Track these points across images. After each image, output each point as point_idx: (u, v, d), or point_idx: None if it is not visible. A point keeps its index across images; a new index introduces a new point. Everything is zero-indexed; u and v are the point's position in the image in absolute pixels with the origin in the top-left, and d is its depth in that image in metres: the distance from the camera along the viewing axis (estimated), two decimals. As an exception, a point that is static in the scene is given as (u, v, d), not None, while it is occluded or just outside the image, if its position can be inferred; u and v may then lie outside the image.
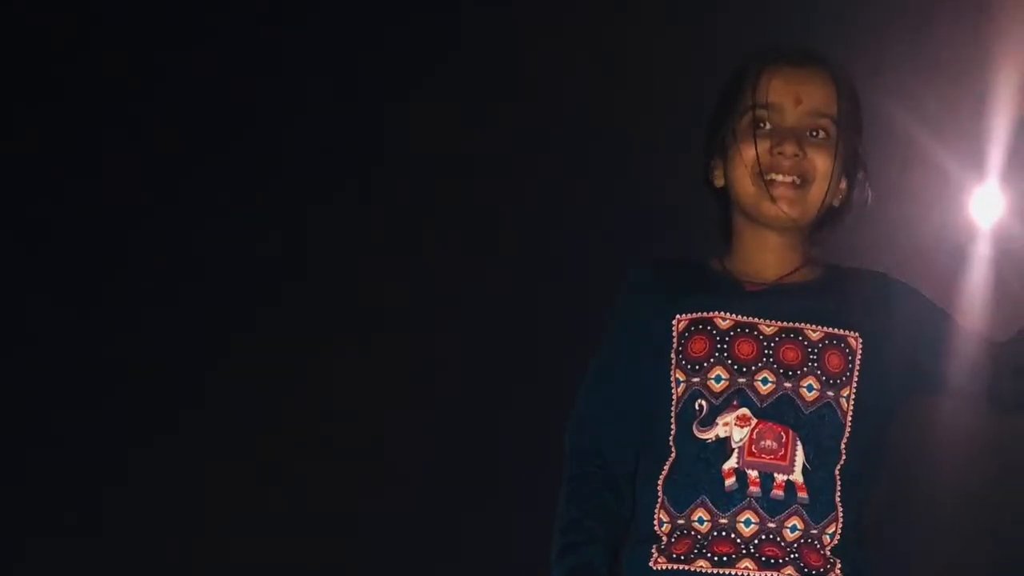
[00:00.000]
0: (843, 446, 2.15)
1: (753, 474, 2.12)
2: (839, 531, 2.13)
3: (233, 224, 3.45)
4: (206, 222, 3.46)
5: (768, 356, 2.15)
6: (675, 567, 2.13)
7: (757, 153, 2.20)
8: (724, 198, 2.30)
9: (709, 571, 2.11)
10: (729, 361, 2.16)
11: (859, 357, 2.17)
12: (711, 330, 2.18)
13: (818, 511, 2.13)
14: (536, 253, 3.37)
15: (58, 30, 3.49)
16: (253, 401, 3.45)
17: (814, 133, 2.22)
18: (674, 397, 2.17)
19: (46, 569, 3.43)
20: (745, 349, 2.16)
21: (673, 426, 2.16)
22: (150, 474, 3.43)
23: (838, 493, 2.14)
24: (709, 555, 2.12)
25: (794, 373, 2.14)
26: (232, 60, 3.42)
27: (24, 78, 3.49)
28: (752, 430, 2.13)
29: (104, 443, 3.43)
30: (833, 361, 2.16)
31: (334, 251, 3.45)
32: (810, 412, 2.14)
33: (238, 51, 3.42)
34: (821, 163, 2.21)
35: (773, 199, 2.20)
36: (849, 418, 2.15)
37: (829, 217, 2.29)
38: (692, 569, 2.12)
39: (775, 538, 2.11)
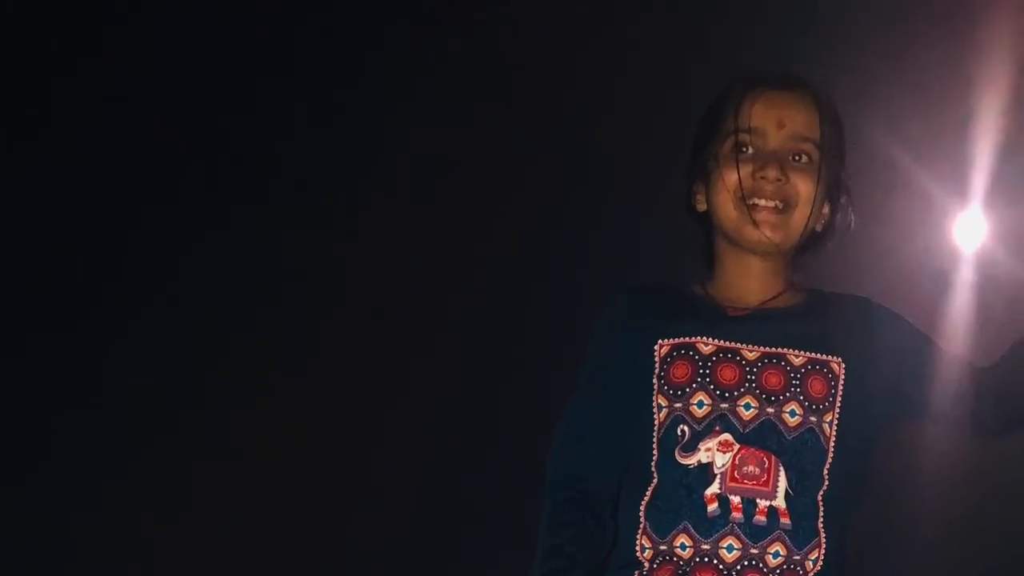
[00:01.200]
0: (826, 472, 2.14)
1: (735, 500, 2.12)
2: (822, 557, 2.12)
3: (231, 225, 3.45)
4: (204, 223, 3.46)
5: (751, 381, 2.15)
6: (657, 593, 2.13)
7: (740, 177, 2.20)
8: (706, 223, 2.29)
9: (691, 597, 2.11)
10: (712, 386, 2.15)
11: (842, 382, 2.16)
12: (693, 355, 2.17)
13: (801, 537, 2.12)
14: (519, 280, 3.36)
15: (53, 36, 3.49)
16: (249, 402, 3.44)
17: (797, 157, 2.22)
18: (656, 422, 2.16)
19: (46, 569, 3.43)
20: (728, 374, 2.16)
21: (655, 451, 2.15)
22: (146, 476, 3.41)
23: (821, 519, 2.13)
24: (691, 581, 2.11)
25: (777, 398, 2.14)
26: (232, 61, 3.42)
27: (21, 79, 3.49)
28: (734, 455, 2.12)
29: (103, 444, 3.42)
30: (816, 386, 2.15)
31: (332, 252, 3.45)
32: (793, 437, 2.14)
33: (238, 52, 3.42)
34: (804, 187, 2.21)
35: (756, 224, 2.20)
36: (832, 444, 2.15)
37: (812, 242, 2.28)
38: (675, 595, 2.12)
39: (758, 564, 2.10)
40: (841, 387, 2.16)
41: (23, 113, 3.50)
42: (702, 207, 2.29)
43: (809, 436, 2.14)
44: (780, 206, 2.20)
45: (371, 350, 3.43)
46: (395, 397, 3.41)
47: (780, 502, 2.12)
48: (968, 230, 3.07)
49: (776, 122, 2.21)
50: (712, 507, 2.11)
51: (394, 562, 3.37)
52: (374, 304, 3.44)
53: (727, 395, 2.15)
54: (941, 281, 2.94)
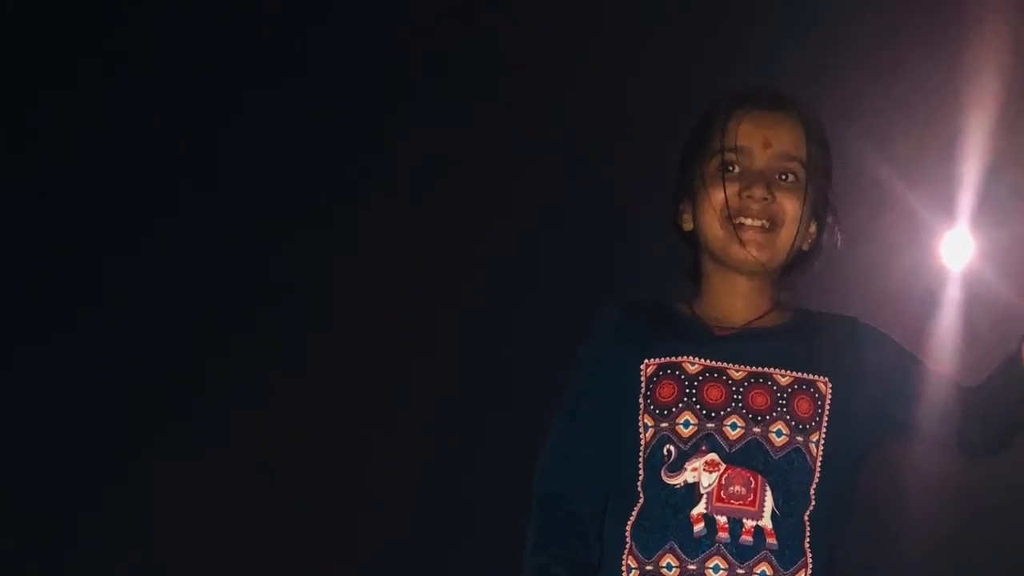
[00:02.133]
0: (812, 491, 2.14)
1: (722, 520, 2.11)
2: (809, 577, 2.12)
3: (231, 225, 3.45)
4: (203, 223, 3.46)
5: (737, 401, 2.15)
6: (643, 613, 2.12)
7: (726, 196, 2.20)
8: (693, 242, 2.29)
9: (677, 618, 2.11)
10: (698, 406, 2.15)
11: (828, 402, 2.16)
12: (679, 375, 2.17)
13: (787, 557, 2.12)
14: (518, 281, 3.36)
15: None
16: (249, 402, 3.44)
17: (783, 177, 2.22)
18: (642, 442, 2.16)
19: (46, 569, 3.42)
20: (714, 394, 2.15)
21: (641, 471, 2.15)
22: (146, 476, 3.41)
23: (807, 539, 2.13)
24: (677, 601, 2.11)
25: (763, 418, 2.14)
26: (231, 62, 3.42)
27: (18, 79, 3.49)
28: (721, 475, 2.12)
29: (100, 446, 3.42)
30: (802, 406, 2.15)
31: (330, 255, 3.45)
32: (779, 457, 2.13)
33: (236, 52, 3.42)
34: (790, 207, 2.21)
35: (742, 243, 2.20)
36: (818, 463, 2.14)
37: (798, 261, 2.28)
38: (660, 615, 2.11)
39: (744, 584, 2.10)
40: (828, 407, 2.16)
41: (21, 113, 3.49)
42: (688, 226, 2.28)
43: (796, 456, 2.14)
44: (766, 225, 2.20)
45: (371, 350, 3.43)
46: (395, 397, 3.41)
47: (767, 522, 2.11)
48: (955, 249, 3.07)
49: (762, 141, 2.21)
50: (698, 527, 2.11)
51: (394, 562, 3.37)
52: (374, 304, 3.44)
53: (713, 415, 2.14)
54: (928, 300, 2.94)
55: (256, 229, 3.43)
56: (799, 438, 2.14)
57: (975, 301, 2.94)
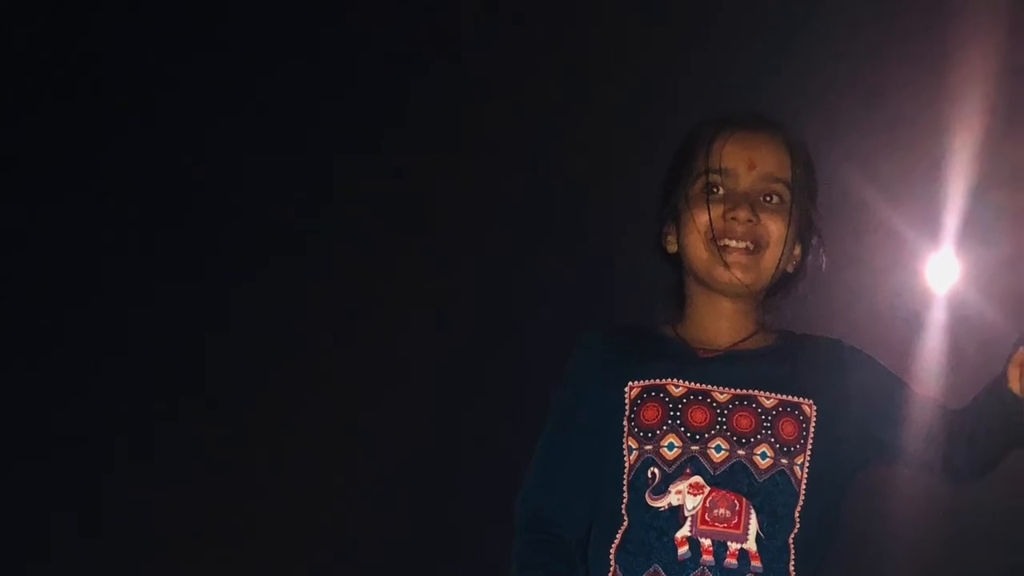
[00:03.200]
0: (797, 514, 2.13)
1: (706, 543, 2.11)
2: (793, 600, 2.12)
3: (230, 224, 3.44)
4: (201, 223, 3.46)
5: (721, 423, 2.14)
6: (627, 637, 2.12)
7: (710, 218, 2.19)
8: (677, 264, 2.29)
9: (661, 641, 2.10)
10: (682, 429, 2.14)
11: (813, 424, 2.16)
12: (664, 397, 2.16)
13: (772, 580, 2.11)
14: (518, 282, 3.36)
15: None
16: (249, 402, 3.43)
17: (768, 198, 2.21)
18: (626, 465, 2.15)
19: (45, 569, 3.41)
20: (698, 416, 2.15)
21: (625, 494, 2.14)
22: (145, 475, 3.40)
23: (792, 562, 2.12)
24: (662, 625, 2.10)
25: (747, 441, 2.13)
26: (228, 62, 3.42)
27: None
28: (705, 498, 2.11)
29: (99, 443, 3.41)
30: (787, 429, 2.15)
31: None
32: (764, 480, 2.13)
33: (237, 53, 3.42)
34: (775, 229, 2.20)
35: (726, 265, 2.19)
36: (803, 486, 2.14)
37: (783, 283, 2.28)
38: (644, 639, 2.11)
39: (729, 607, 2.10)
40: (812, 429, 2.15)
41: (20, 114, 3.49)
42: (673, 248, 2.28)
43: (780, 478, 2.13)
44: (751, 247, 2.20)
45: (371, 350, 3.42)
46: (395, 397, 3.40)
47: (751, 545, 2.11)
48: (940, 271, 3.07)
49: (747, 163, 2.21)
50: (683, 550, 2.10)
51: (394, 562, 3.36)
52: (374, 303, 3.43)
53: (698, 437, 2.14)
54: (913, 322, 2.94)
55: (255, 228, 3.43)
56: (784, 460, 2.13)
57: (960, 323, 2.94)
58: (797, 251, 2.26)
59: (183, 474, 3.40)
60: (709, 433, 2.14)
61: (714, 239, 2.19)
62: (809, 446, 2.15)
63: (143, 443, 3.41)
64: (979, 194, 3.01)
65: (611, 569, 2.14)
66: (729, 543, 2.10)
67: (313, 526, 3.39)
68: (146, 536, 3.40)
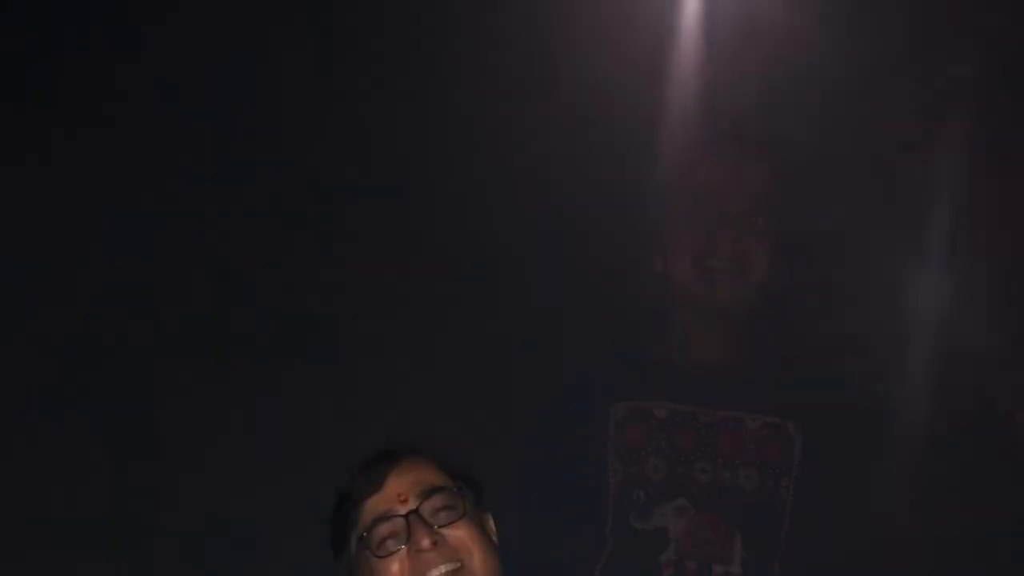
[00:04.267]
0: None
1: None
2: (779, 621, 2.12)
3: (230, 224, 3.45)
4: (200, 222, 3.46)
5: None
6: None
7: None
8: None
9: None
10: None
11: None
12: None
13: (757, 602, 2.11)
14: (519, 283, 3.38)
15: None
16: (249, 403, 3.44)
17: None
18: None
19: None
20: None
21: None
22: (144, 475, 3.40)
23: (777, 582, 2.12)
24: (647, 647, 2.10)
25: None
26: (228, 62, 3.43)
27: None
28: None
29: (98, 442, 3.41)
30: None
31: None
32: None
33: (235, 54, 3.43)
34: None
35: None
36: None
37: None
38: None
39: (714, 629, 2.10)
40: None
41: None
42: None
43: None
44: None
45: (371, 350, 3.43)
46: (394, 398, 3.41)
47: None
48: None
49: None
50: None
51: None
52: (374, 304, 3.44)
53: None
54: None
55: (256, 232, 3.44)
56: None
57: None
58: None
59: (185, 474, 3.41)
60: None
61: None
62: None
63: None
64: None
65: (597, 591, 2.14)
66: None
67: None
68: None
